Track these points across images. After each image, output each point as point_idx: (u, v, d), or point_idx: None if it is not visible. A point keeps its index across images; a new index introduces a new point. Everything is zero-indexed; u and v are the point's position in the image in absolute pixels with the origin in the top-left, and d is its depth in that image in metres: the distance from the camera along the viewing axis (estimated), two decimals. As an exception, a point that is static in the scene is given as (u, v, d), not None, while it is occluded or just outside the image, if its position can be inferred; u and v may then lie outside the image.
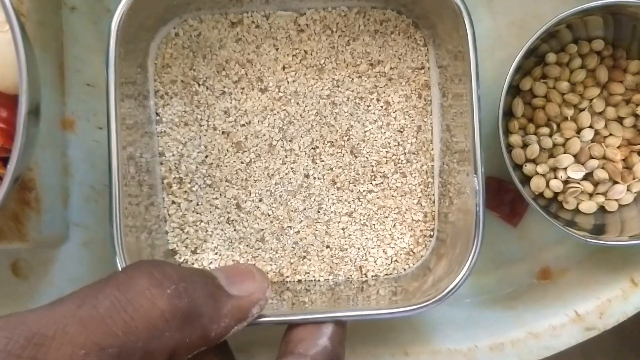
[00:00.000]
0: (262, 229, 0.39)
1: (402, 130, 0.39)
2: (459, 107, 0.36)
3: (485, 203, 0.34)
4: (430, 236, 0.39)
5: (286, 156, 0.39)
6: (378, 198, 0.39)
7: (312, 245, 0.39)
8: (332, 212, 0.39)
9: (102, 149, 0.41)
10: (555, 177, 0.39)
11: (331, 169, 0.39)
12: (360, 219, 0.39)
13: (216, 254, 0.39)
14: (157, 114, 0.39)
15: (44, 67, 0.38)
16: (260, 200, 0.39)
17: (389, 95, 0.39)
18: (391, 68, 0.39)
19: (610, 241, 0.37)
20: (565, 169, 0.39)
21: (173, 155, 0.39)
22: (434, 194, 0.39)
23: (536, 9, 0.41)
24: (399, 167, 0.39)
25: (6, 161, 0.29)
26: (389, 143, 0.39)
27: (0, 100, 0.29)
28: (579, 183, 0.39)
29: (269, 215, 0.39)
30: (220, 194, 0.39)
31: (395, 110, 0.39)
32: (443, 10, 0.35)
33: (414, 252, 0.39)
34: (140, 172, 0.36)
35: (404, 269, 0.39)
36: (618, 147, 0.39)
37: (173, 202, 0.39)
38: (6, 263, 0.42)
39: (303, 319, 0.32)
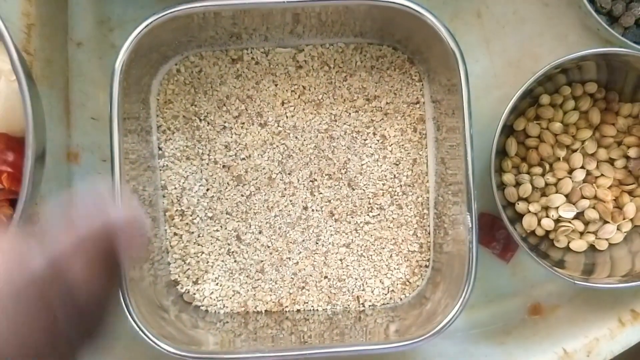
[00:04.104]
0: (262, 260, 0.40)
1: (398, 163, 0.40)
2: (453, 140, 0.37)
3: (478, 240, 0.34)
4: (426, 266, 0.40)
5: (285, 189, 0.40)
6: (375, 229, 0.40)
7: (310, 275, 0.40)
8: (330, 243, 0.40)
9: (105, 180, 0.42)
10: (547, 216, 0.40)
11: (329, 201, 0.40)
12: (357, 250, 0.40)
13: (217, 284, 0.40)
14: (160, 149, 0.40)
15: (50, 103, 0.39)
16: (260, 232, 0.40)
17: (385, 129, 0.40)
18: (387, 103, 0.40)
19: (598, 283, 0.38)
20: (556, 208, 0.39)
21: (175, 188, 0.40)
22: (429, 225, 0.40)
23: (533, 50, 0.42)
24: (395, 199, 0.40)
25: (13, 202, 0.30)
26: (385, 176, 0.40)
27: (8, 144, 0.30)
28: (570, 222, 0.40)
29: (269, 247, 0.40)
30: (221, 226, 0.40)
31: (391, 144, 0.40)
32: (436, 47, 0.36)
33: (410, 282, 0.40)
34: (143, 205, 0.37)
35: (401, 299, 0.40)
36: (609, 188, 0.40)
37: (175, 234, 0.40)
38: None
39: (301, 354, 0.33)
